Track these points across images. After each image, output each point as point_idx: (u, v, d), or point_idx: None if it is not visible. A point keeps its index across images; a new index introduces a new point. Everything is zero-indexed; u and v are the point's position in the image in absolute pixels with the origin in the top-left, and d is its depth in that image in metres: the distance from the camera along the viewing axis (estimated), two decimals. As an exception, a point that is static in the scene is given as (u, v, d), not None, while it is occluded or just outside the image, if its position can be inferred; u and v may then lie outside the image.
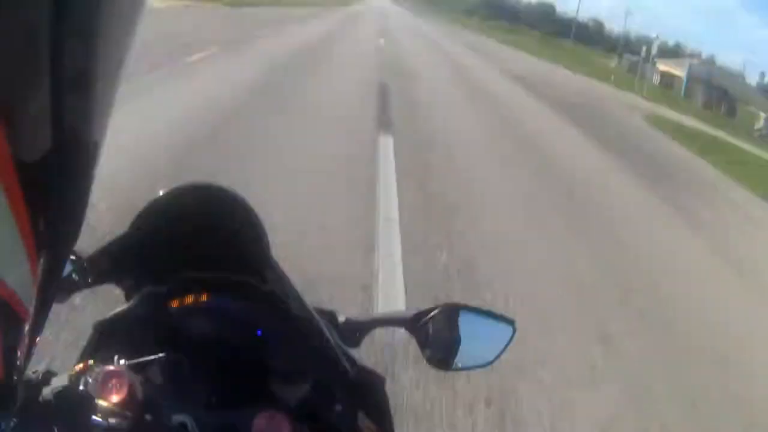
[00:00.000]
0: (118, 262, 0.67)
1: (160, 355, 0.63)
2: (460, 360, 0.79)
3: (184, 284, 0.70)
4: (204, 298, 0.70)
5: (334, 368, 0.69)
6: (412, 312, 0.79)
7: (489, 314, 0.81)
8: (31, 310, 0.28)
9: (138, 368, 0.61)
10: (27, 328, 0.28)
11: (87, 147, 0.27)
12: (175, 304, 0.69)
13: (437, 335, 0.77)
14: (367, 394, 0.72)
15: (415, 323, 0.78)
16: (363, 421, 0.68)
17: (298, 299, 0.69)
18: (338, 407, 0.67)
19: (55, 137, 0.24)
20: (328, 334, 0.71)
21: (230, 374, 0.67)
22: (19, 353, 0.30)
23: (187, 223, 0.66)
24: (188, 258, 0.70)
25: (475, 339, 0.79)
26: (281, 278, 0.68)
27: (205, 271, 0.71)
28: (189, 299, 0.70)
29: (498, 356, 0.81)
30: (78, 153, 0.26)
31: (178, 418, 0.59)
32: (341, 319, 0.79)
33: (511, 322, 0.82)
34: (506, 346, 0.81)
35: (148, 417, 0.57)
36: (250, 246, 0.68)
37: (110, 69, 0.26)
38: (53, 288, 0.30)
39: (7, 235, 0.24)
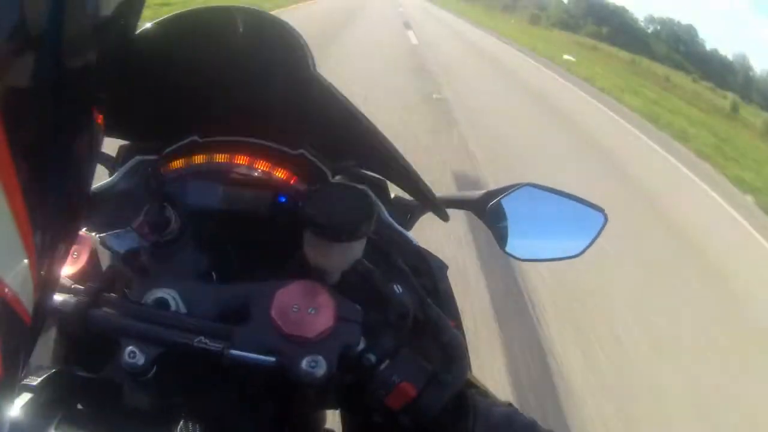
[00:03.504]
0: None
1: (140, 217, 0.50)
2: (542, 249, 0.69)
3: (184, 148, 0.57)
4: (204, 159, 0.56)
5: (385, 243, 0.56)
6: (480, 192, 0.67)
7: (572, 197, 0.70)
8: (31, 309, 0.27)
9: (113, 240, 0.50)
10: (27, 327, 0.28)
11: (86, 147, 0.28)
12: (168, 168, 0.57)
13: (513, 219, 0.65)
14: (428, 278, 0.59)
15: (483, 205, 0.65)
16: (430, 305, 0.53)
17: (342, 166, 0.56)
18: (397, 288, 0.52)
19: (55, 137, 0.25)
20: (378, 202, 0.58)
21: (240, 246, 0.54)
22: (19, 352, 0.29)
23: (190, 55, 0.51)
24: (193, 116, 0.57)
25: (559, 225, 0.69)
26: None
27: (216, 133, 0.57)
28: (185, 161, 0.57)
29: (587, 247, 0.70)
30: (78, 153, 0.27)
31: (155, 293, 0.46)
32: (392, 195, 0.66)
33: (600, 209, 0.72)
34: (596, 235, 0.71)
35: (111, 291, 0.45)
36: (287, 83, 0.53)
37: (108, 70, 0.28)
38: (53, 287, 0.30)
39: (7, 235, 0.24)
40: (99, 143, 0.29)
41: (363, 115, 0.54)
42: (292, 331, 0.44)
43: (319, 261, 0.51)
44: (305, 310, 0.45)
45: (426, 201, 0.65)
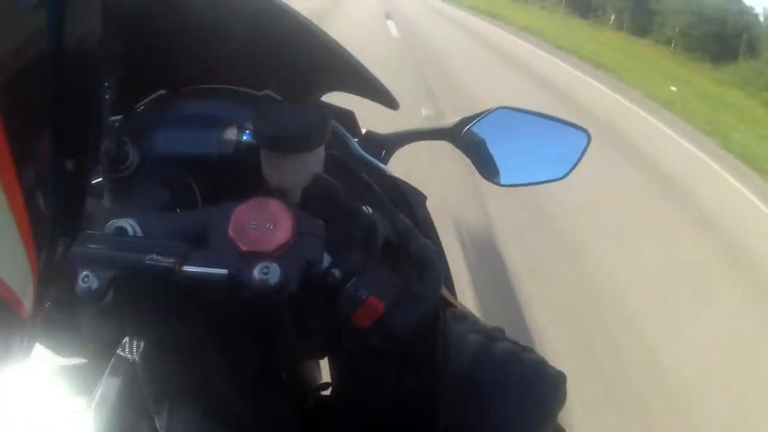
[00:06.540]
0: None
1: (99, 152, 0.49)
2: (524, 173, 0.67)
3: (153, 103, 0.58)
4: (169, 107, 0.56)
5: (357, 172, 0.55)
6: (453, 120, 0.65)
7: (551, 118, 0.68)
8: (31, 308, 0.27)
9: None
10: (26, 326, 0.28)
11: (86, 147, 0.28)
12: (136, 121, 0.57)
13: (491, 145, 0.63)
14: (404, 208, 0.57)
15: (458, 132, 0.64)
16: (399, 219, 0.51)
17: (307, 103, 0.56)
18: (365, 208, 0.50)
19: (55, 137, 0.24)
20: (349, 139, 0.58)
21: (204, 182, 0.54)
22: (19, 352, 0.28)
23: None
24: (161, 72, 0.58)
25: (539, 147, 0.67)
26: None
27: (184, 85, 0.58)
28: (151, 106, 0.57)
29: (572, 168, 0.68)
30: (78, 153, 0.27)
31: (113, 223, 0.45)
32: (362, 131, 0.65)
33: (582, 128, 0.69)
34: (581, 155, 0.68)
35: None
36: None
37: (109, 69, 0.27)
38: (53, 288, 0.30)
39: (7, 234, 0.23)
40: (101, 137, 0.28)
41: (317, 27, 0.53)
42: (249, 247, 0.43)
43: (277, 178, 0.50)
44: (263, 225, 0.44)
45: (390, 104, 0.64)
